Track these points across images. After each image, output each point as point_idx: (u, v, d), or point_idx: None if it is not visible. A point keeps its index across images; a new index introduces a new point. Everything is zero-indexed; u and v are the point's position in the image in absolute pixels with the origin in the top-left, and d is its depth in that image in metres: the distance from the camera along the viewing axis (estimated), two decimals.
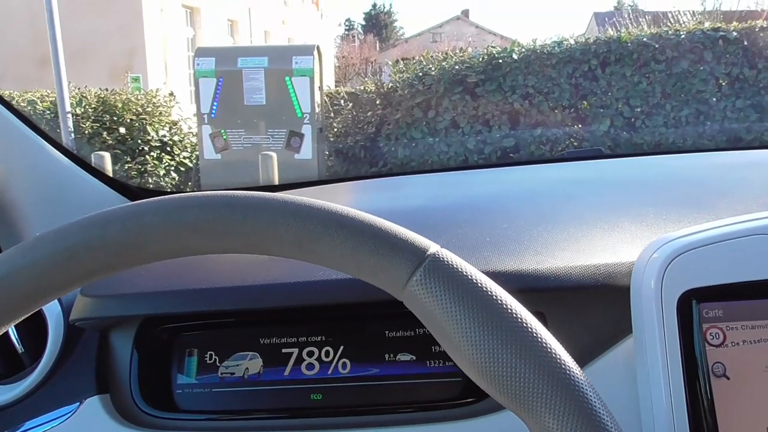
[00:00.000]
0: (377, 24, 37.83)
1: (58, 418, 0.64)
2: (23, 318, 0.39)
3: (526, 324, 0.35)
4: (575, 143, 6.05)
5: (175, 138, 6.90)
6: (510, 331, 0.34)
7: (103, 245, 0.36)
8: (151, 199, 0.38)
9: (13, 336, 0.67)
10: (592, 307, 0.62)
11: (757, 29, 6.16)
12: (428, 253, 0.36)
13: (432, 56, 6.73)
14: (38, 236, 0.37)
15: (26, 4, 9.20)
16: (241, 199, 0.37)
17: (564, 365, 0.34)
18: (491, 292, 0.35)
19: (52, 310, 0.68)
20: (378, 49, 28.68)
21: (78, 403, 0.64)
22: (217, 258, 0.70)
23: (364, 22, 38.84)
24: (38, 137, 0.86)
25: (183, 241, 0.37)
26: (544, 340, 0.34)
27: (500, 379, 0.34)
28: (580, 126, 6.18)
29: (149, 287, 0.65)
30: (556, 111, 6.19)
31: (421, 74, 6.42)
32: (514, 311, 0.35)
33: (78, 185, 0.91)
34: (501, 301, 0.35)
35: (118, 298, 0.64)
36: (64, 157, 0.89)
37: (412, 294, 0.36)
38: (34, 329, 0.67)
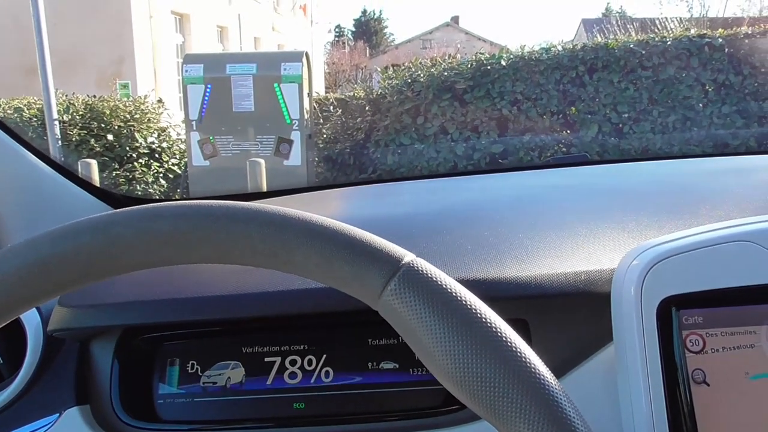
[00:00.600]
0: (367, 30, 37.91)
1: (37, 429, 0.63)
2: None
3: (500, 333, 0.34)
4: (563, 149, 6.08)
5: (164, 145, 6.86)
6: (483, 340, 0.34)
7: (74, 256, 0.36)
8: (125, 209, 0.37)
9: None
10: (574, 314, 0.62)
11: (742, 36, 6.23)
12: (403, 262, 0.36)
13: (421, 63, 6.75)
14: (8, 248, 0.37)
15: (12, 12, 9.15)
16: (215, 209, 0.37)
17: (537, 374, 0.34)
18: (465, 301, 0.35)
19: (30, 321, 0.67)
20: (368, 55, 28.74)
21: (57, 415, 0.64)
22: (197, 267, 0.69)
23: (354, 29, 38.95)
24: (20, 146, 0.85)
25: (156, 252, 0.37)
26: (517, 349, 0.34)
27: (474, 389, 0.34)
28: (568, 132, 6.21)
29: (129, 297, 0.65)
30: (544, 117, 6.22)
31: (410, 81, 6.44)
32: (487, 320, 0.35)
33: (61, 194, 0.91)
34: (475, 310, 0.35)
35: (96, 308, 0.64)
36: (46, 165, 0.88)
37: (387, 303, 0.36)
38: (12, 340, 0.67)
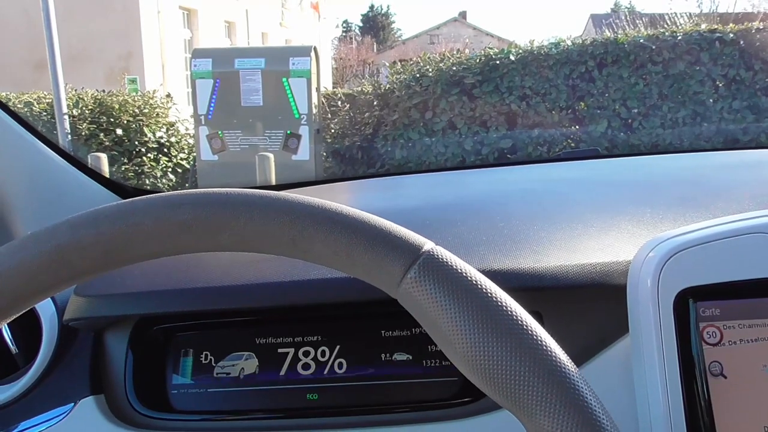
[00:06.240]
0: (375, 26, 37.86)
1: (52, 418, 0.63)
2: (14, 317, 0.38)
3: (522, 321, 0.34)
4: (572, 144, 6.06)
5: (172, 139, 6.89)
6: (505, 328, 0.34)
7: (93, 244, 0.36)
8: (142, 197, 0.37)
9: (7, 336, 0.67)
10: (589, 306, 0.62)
11: (753, 31, 6.17)
12: (423, 250, 0.36)
13: (429, 58, 6.73)
14: (27, 235, 0.37)
15: (23, 8, 9.19)
16: (234, 197, 0.37)
17: (560, 363, 0.33)
18: (487, 289, 0.35)
19: (46, 311, 0.67)
20: (375, 50, 28.68)
21: (72, 404, 0.64)
22: (212, 257, 0.69)
23: (361, 24, 38.90)
24: (34, 138, 0.85)
25: (174, 240, 0.36)
26: (540, 338, 0.34)
27: (495, 377, 0.34)
28: (577, 127, 6.19)
29: (144, 287, 0.65)
30: (553, 112, 6.19)
31: (418, 75, 6.43)
32: (509, 308, 0.35)
33: (73, 186, 0.91)
34: (496, 298, 0.35)
35: (112, 297, 0.64)
36: (59, 157, 0.89)
37: (407, 291, 0.35)
38: (28, 330, 0.67)
